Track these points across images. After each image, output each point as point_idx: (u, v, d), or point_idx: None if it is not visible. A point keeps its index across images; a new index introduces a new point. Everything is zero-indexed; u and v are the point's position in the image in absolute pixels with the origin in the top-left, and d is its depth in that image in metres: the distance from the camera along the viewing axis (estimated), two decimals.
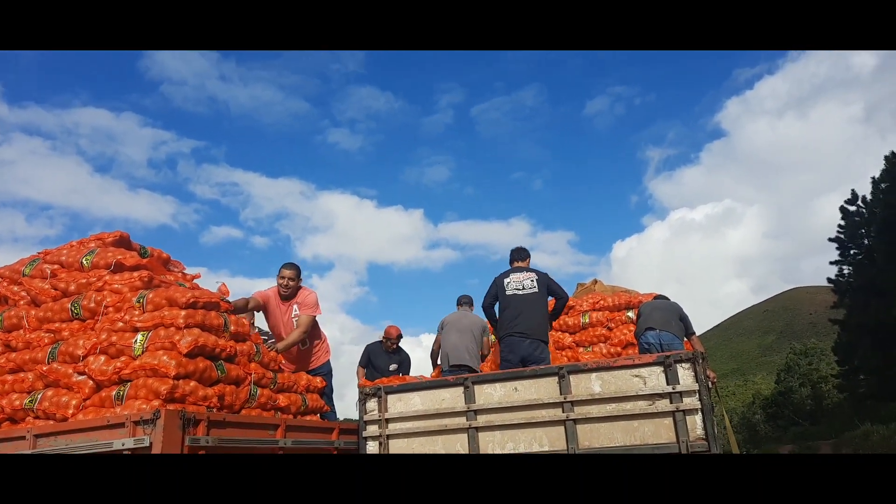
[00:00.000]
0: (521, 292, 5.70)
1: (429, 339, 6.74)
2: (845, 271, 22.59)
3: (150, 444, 3.24)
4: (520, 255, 6.07)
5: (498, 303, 5.78)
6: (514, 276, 5.79)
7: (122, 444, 3.27)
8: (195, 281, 4.82)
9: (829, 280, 23.17)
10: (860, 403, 24.79)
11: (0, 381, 4.00)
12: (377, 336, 7.62)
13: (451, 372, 6.04)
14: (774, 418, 33.81)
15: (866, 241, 21.81)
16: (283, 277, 5.47)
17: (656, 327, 6.02)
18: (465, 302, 6.95)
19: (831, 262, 22.87)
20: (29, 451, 3.49)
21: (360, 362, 7.45)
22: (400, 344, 7.50)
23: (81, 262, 4.31)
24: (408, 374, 6.92)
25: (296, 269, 5.55)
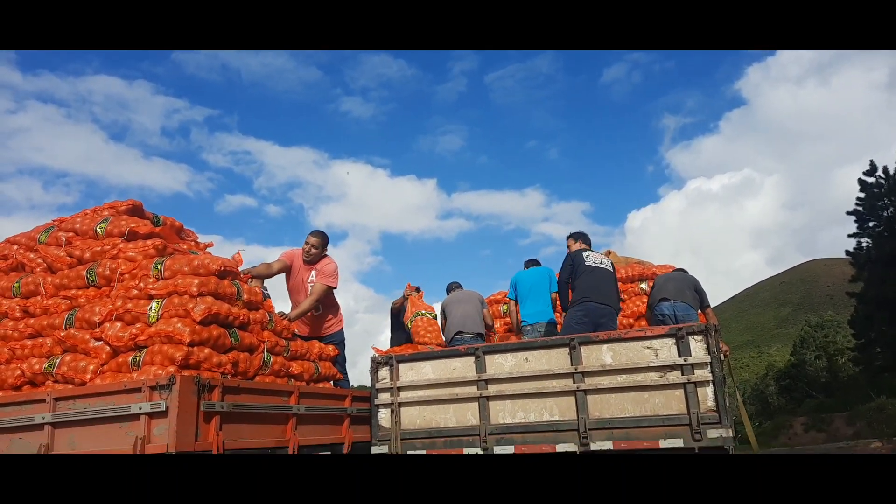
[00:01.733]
0: (600, 266, 5.80)
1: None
2: (864, 244, 22.23)
3: (167, 408, 3.31)
4: (588, 240, 6.36)
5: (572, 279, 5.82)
6: (593, 254, 5.94)
7: (140, 408, 3.33)
8: (208, 250, 4.85)
9: (848, 252, 22.82)
10: (876, 376, 24.65)
11: (20, 346, 4.08)
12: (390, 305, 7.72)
13: (457, 341, 6.14)
14: (788, 391, 33.79)
15: (886, 213, 21.39)
16: (307, 244, 5.57)
17: (670, 298, 5.97)
18: (455, 287, 7.23)
19: (849, 235, 22.51)
20: (49, 414, 3.57)
21: (395, 326, 7.45)
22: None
23: (95, 230, 4.35)
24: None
25: (321, 237, 5.63)
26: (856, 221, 22.38)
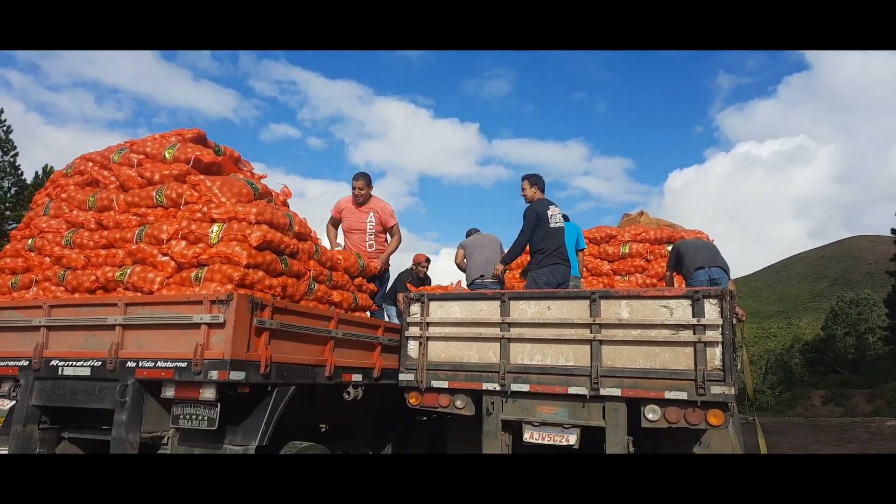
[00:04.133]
0: (558, 225, 6.01)
1: None
2: None
3: (224, 321, 3.74)
4: (543, 186, 6.27)
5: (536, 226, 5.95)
6: (552, 209, 6.04)
7: (201, 318, 3.78)
8: (262, 181, 5.21)
9: (893, 231, 22.29)
10: None
11: (95, 255, 4.56)
12: (424, 247, 8.08)
13: (477, 284, 6.46)
14: (813, 364, 33.66)
15: None
16: (355, 188, 6.13)
17: (704, 265, 6.11)
18: (474, 232, 7.43)
19: None
20: (121, 317, 4.04)
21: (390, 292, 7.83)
22: (428, 271, 7.99)
23: (164, 155, 4.74)
24: None
25: (366, 177, 6.15)
26: None
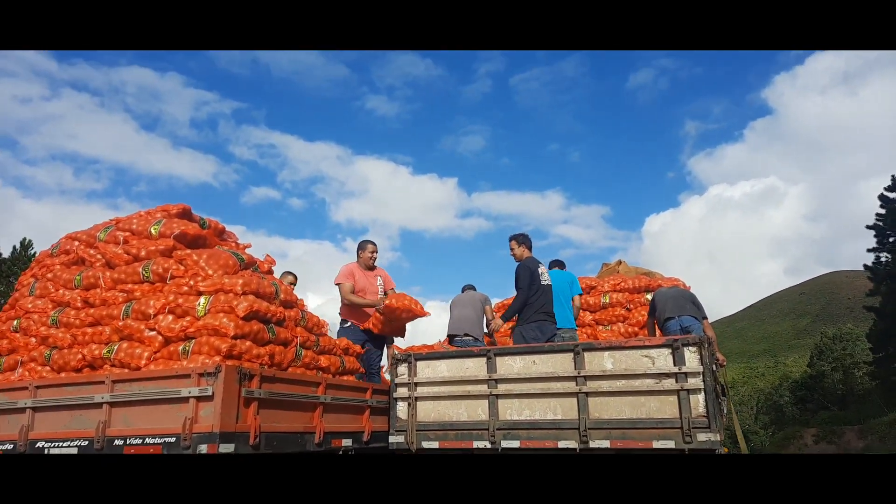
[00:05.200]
0: (547, 283, 6.16)
1: None
2: (882, 259, 22.20)
3: (213, 393, 3.76)
4: (531, 245, 6.42)
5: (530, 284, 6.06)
6: (541, 268, 6.21)
7: (189, 392, 3.80)
8: (247, 251, 5.31)
9: (866, 266, 22.81)
10: (891, 391, 24.55)
11: (81, 333, 4.58)
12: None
13: (456, 343, 6.67)
14: (803, 401, 33.64)
15: None
16: (372, 251, 6.52)
17: (674, 315, 6.26)
18: (468, 288, 7.61)
19: (868, 250, 22.50)
20: (108, 394, 4.04)
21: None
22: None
23: (150, 231, 4.83)
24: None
25: (375, 245, 6.60)
26: (875, 236, 22.38)
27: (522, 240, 6.37)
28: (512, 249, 6.39)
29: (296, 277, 6.82)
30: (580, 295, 7.14)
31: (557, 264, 7.30)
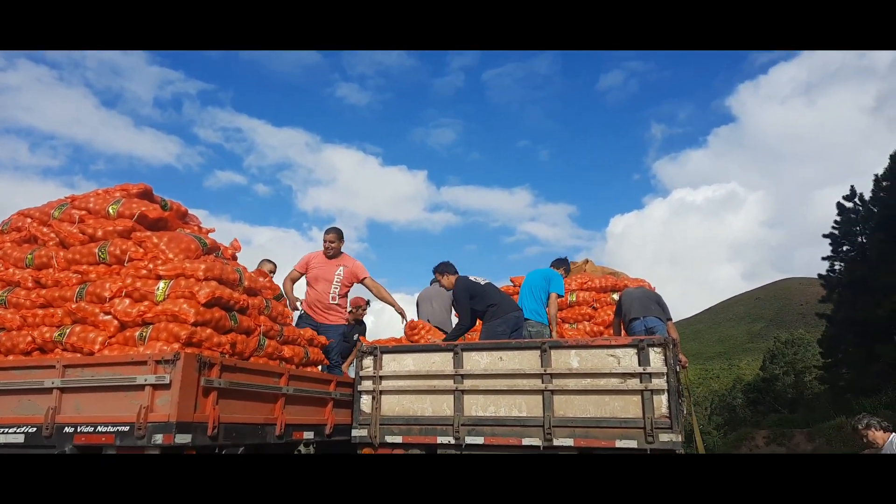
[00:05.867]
0: (486, 282, 6.24)
1: None
2: (836, 267, 22.91)
3: (170, 381, 3.63)
4: (454, 270, 6.43)
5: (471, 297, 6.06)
6: (472, 276, 6.28)
7: (145, 380, 3.66)
8: (210, 235, 5.15)
9: (820, 275, 23.51)
10: (838, 396, 25.38)
11: (31, 314, 4.37)
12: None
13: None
14: (755, 403, 34.56)
15: (860, 239, 22.07)
16: (326, 241, 6.28)
17: (639, 316, 6.32)
18: (437, 278, 7.31)
19: (823, 258, 23.19)
20: (58, 379, 3.87)
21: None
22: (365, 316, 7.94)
23: (108, 211, 4.64)
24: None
25: (336, 231, 6.34)
26: (830, 245, 23.06)
27: (443, 269, 6.40)
28: (440, 282, 6.47)
29: (275, 266, 6.63)
30: (557, 294, 6.89)
31: (559, 262, 7.24)
